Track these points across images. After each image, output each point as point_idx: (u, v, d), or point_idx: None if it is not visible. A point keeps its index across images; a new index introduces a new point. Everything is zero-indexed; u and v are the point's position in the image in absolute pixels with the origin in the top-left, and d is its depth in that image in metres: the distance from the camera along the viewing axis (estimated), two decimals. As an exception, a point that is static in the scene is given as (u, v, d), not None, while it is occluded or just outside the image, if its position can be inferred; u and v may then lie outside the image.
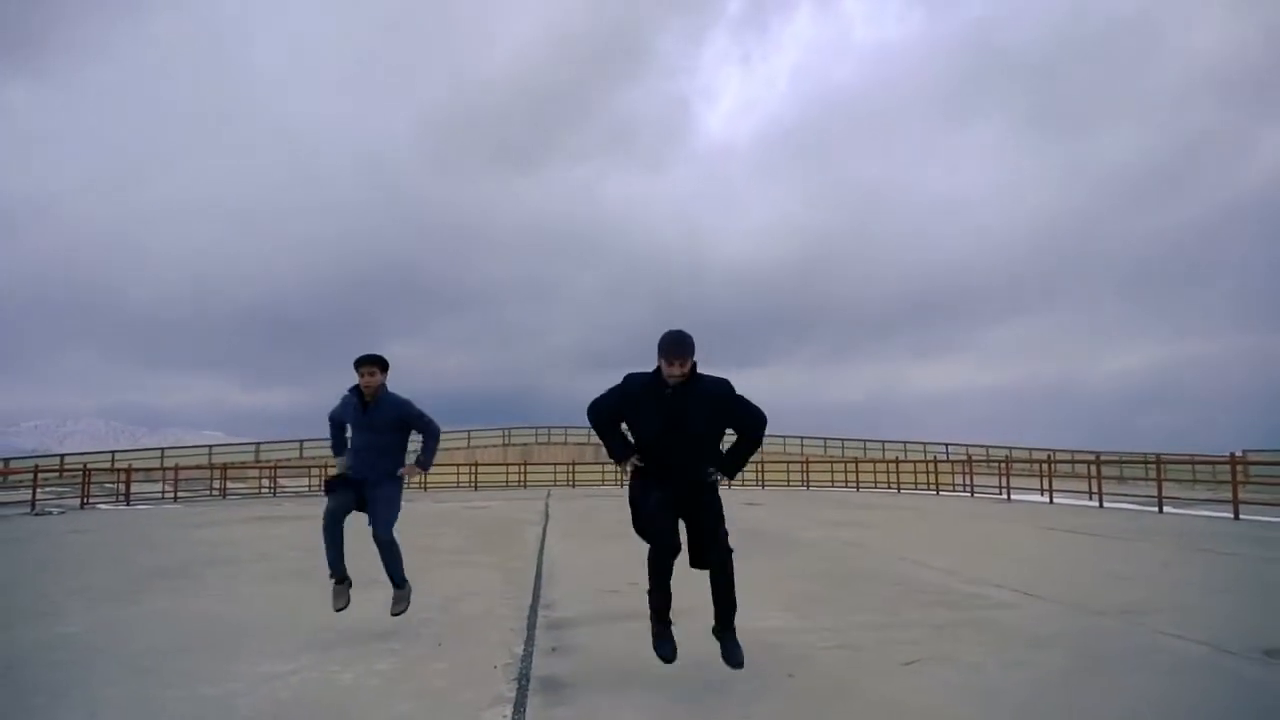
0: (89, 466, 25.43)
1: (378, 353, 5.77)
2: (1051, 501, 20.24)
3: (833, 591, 7.34)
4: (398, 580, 5.88)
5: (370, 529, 5.73)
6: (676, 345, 4.44)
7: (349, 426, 5.90)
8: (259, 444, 39.73)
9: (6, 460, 29.06)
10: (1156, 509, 17.17)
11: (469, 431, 44.80)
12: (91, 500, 23.65)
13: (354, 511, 5.76)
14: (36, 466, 24.12)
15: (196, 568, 9.54)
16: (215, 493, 29.22)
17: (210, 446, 39.99)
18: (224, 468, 31.15)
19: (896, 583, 7.83)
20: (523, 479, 35.85)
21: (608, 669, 4.70)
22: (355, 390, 5.76)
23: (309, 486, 31.38)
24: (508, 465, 37.55)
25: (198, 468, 33.23)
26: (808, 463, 34.85)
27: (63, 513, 20.57)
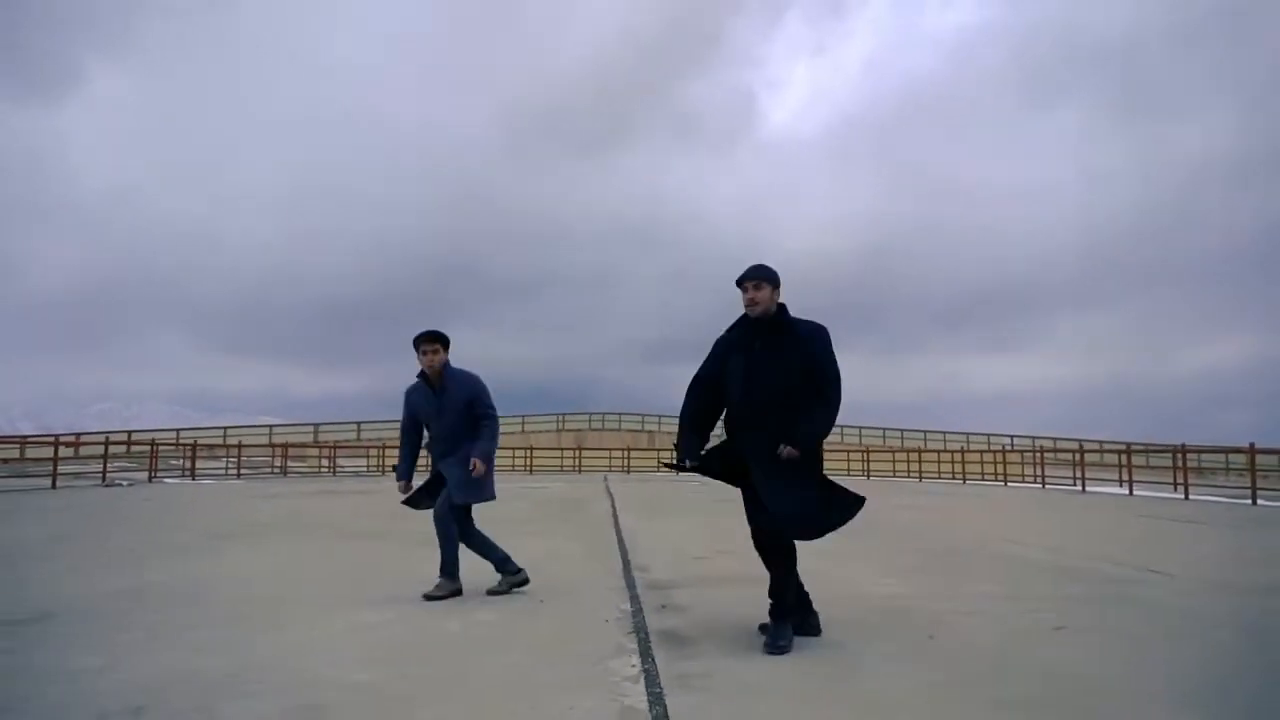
0: (156, 442, 25.84)
1: (437, 329, 5.25)
2: (1131, 493, 19.38)
3: (939, 565, 6.89)
4: (442, 565, 5.23)
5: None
6: (750, 269, 4.02)
7: (425, 426, 5.37)
8: (317, 425, 40.16)
9: (78, 435, 29.69)
10: (1250, 500, 16.29)
11: (523, 417, 44.80)
12: (158, 475, 24.00)
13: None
14: (106, 439, 24.58)
15: (270, 530, 9.45)
16: (276, 471, 29.56)
17: (270, 427, 40.54)
18: (284, 447, 31.49)
19: (1004, 559, 7.36)
20: (577, 464, 35.69)
21: (723, 626, 4.34)
22: (421, 376, 5.27)
23: (366, 467, 31.64)
24: (562, 450, 37.43)
25: (259, 446, 33.65)
26: (868, 452, 34.09)
27: (131, 485, 20.85)
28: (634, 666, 3.53)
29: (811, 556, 7.23)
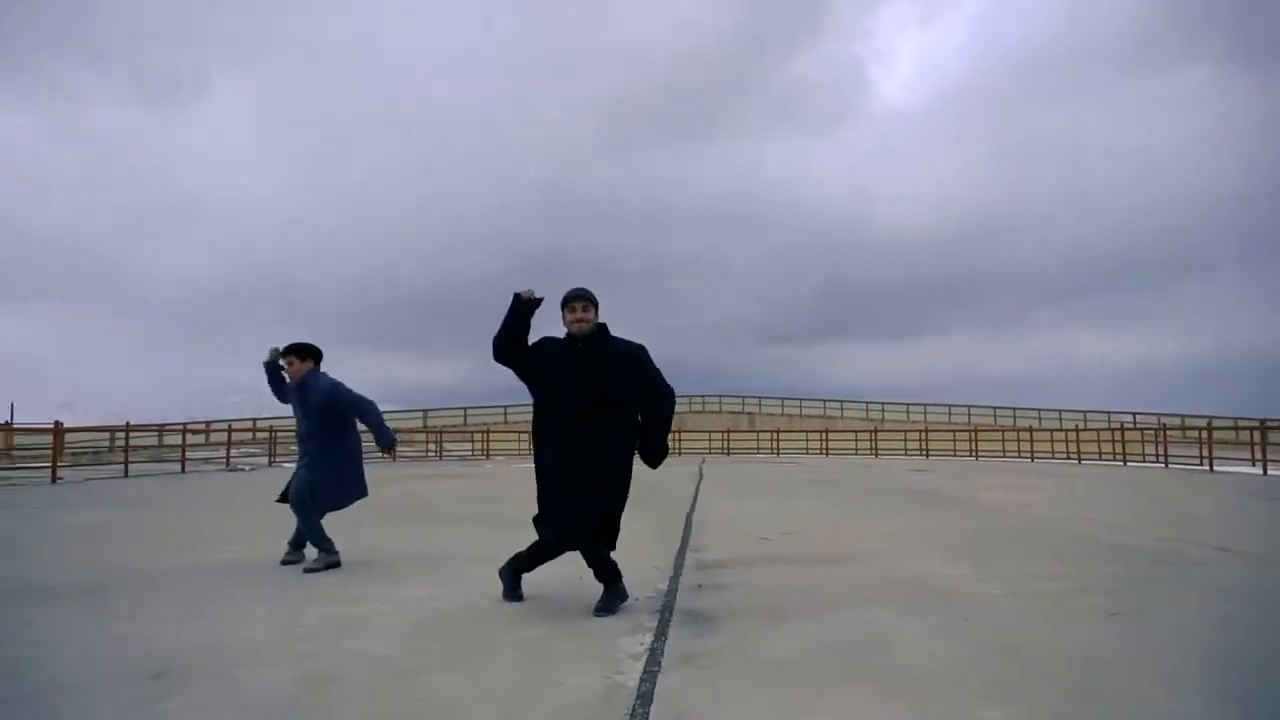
0: (275, 429, 27.34)
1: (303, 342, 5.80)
2: (1265, 473, 18.05)
3: (1002, 546, 6.61)
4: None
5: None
6: (576, 291, 4.19)
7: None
8: (426, 411, 41.59)
9: (208, 423, 31.73)
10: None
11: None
12: (277, 460, 25.41)
13: None
14: (230, 427, 26.17)
15: (361, 512, 9.86)
16: (384, 456, 30.77)
17: (382, 413, 42.21)
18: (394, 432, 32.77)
19: (1073, 539, 7.00)
20: (677, 447, 35.80)
21: (755, 605, 4.32)
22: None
23: (471, 451, 32.62)
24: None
25: (368, 432, 35.12)
26: (976, 432, 32.90)
27: (253, 470, 22.16)
28: (642, 645, 3.55)
29: (876, 539, 7.09)
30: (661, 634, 3.73)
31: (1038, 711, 2.70)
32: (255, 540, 7.00)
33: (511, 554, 4.64)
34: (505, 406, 40.45)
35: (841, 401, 45.36)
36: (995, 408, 42.83)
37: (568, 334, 4.26)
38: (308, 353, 5.80)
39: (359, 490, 5.88)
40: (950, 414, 43.23)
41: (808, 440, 35.70)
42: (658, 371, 4.31)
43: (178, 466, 20.55)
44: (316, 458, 5.70)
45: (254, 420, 33.45)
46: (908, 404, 45.13)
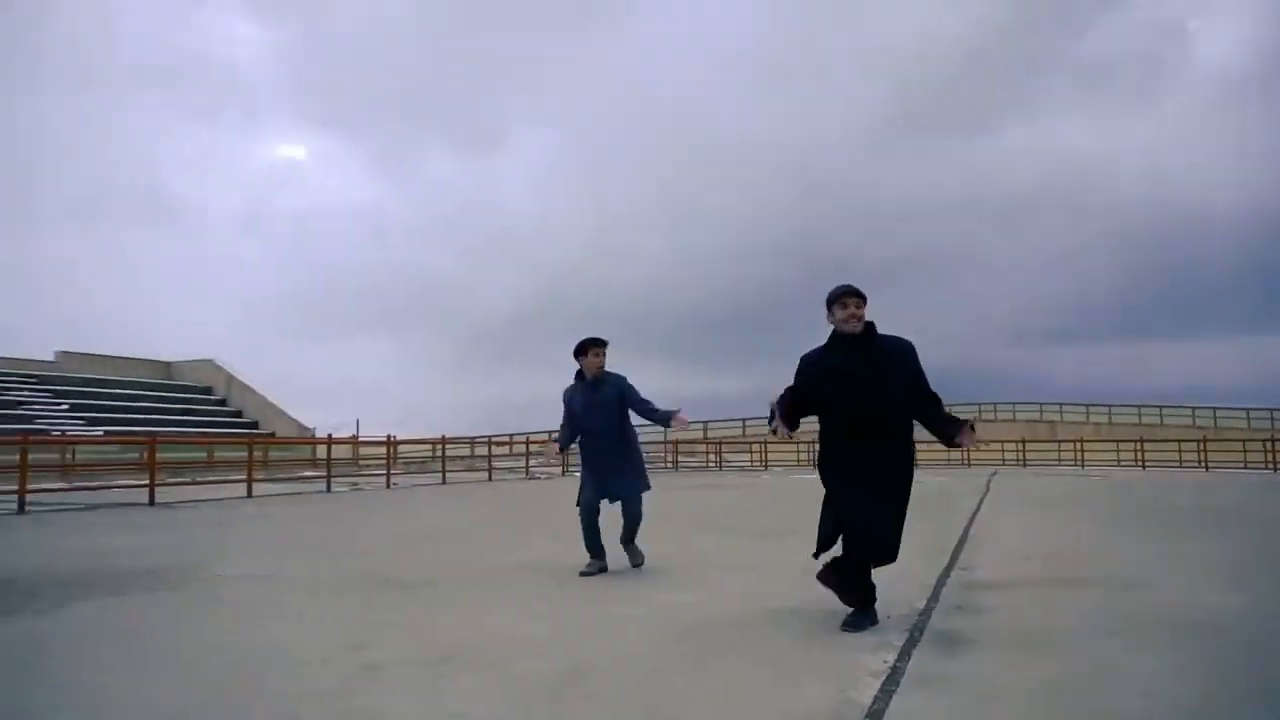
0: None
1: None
2: None
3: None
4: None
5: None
6: (845, 287, 4.04)
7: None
8: (706, 423, 42.73)
9: (511, 435, 34.98)
10: None
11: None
12: (571, 469, 27.41)
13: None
14: (527, 440, 28.65)
15: (650, 524, 10.47)
16: (669, 466, 32.10)
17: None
18: (675, 444, 34.05)
19: None
20: (965, 458, 33.77)
21: (1012, 631, 4.08)
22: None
23: (749, 461, 33.05)
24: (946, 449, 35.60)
25: (654, 443, 36.80)
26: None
27: (549, 478, 24.12)
28: (885, 662, 3.51)
29: (1156, 560, 6.35)
30: (906, 654, 3.66)
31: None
32: (546, 545, 7.70)
33: (773, 563, 4.81)
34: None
35: (1160, 406, 40.34)
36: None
37: (834, 334, 4.15)
38: (605, 345, 5.98)
39: (647, 482, 6.20)
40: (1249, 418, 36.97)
41: (1119, 450, 32.13)
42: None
43: (485, 475, 22.86)
44: (619, 450, 5.95)
45: (549, 433, 36.37)
46: (1248, 409, 39.14)
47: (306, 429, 31.72)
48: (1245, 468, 28.48)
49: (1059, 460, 32.77)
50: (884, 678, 3.30)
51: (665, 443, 35.63)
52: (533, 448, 27.72)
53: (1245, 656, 3.60)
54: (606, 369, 5.98)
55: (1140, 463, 30.52)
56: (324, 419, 33.88)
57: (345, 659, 3.61)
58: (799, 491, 16.48)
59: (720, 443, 35.18)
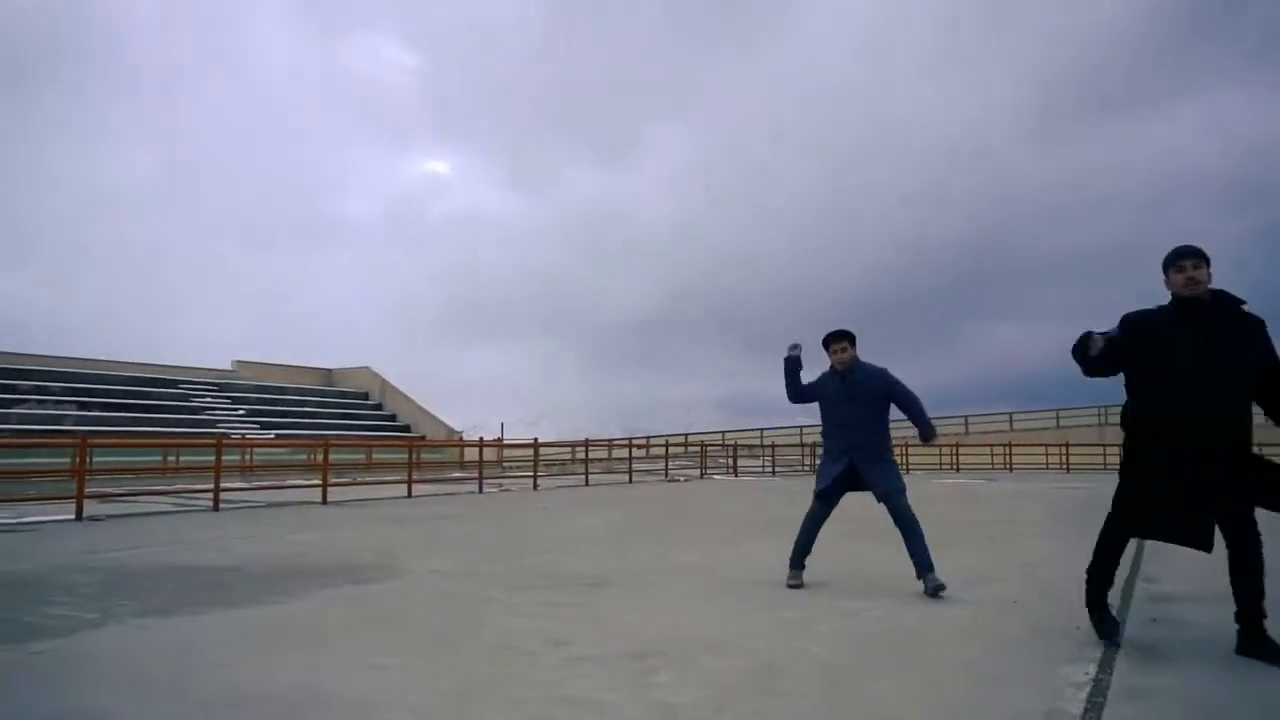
0: (705, 444, 29.71)
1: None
2: None
3: None
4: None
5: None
6: (1182, 247, 3.71)
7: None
8: (802, 428, 41.97)
9: (647, 439, 35.44)
10: None
11: (1057, 411, 41.38)
12: (708, 472, 27.56)
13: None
14: (666, 443, 29.00)
15: (784, 524, 10.50)
16: (806, 468, 31.75)
17: (800, 428, 43.47)
18: (812, 447, 33.64)
19: None
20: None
21: (1216, 648, 3.91)
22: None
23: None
24: (1105, 447, 33.72)
25: (790, 446, 36.46)
26: None
27: (686, 480, 24.34)
28: (1086, 674, 3.47)
29: None
30: (1107, 666, 3.59)
31: None
32: (704, 547, 7.86)
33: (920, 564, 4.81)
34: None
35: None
36: None
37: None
38: (854, 339, 5.67)
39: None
40: None
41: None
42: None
43: (625, 477, 23.30)
44: (871, 446, 5.56)
45: (685, 435, 36.69)
46: None
47: (454, 431, 33.16)
48: None
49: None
50: (1088, 689, 3.27)
51: (801, 446, 35.29)
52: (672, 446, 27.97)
53: None
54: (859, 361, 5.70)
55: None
56: (465, 421, 35.27)
57: (552, 652, 3.85)
58: (943, 496, 16.05)
59: (814, 446, 34.43)
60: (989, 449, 34.12)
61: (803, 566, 5.75)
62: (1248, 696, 3.18)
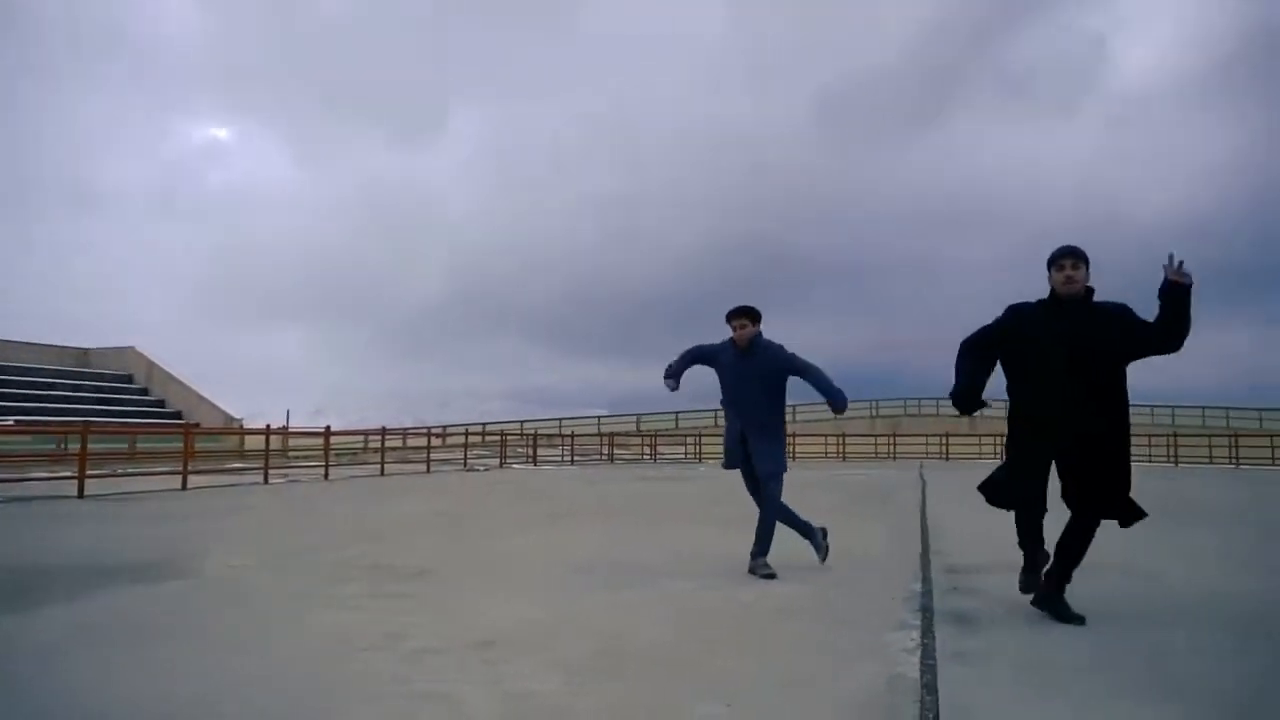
0: (504, 433, 29.38)
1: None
2: None
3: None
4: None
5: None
6: (1067, 248, 3.98)
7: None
8: (640, 415, 42.99)
9: (444, 428, 34.56)
10: None
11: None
12: (507, 461, 27.28)
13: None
14: (466, 431, 28.39)
15: (601, 510, 10.57)
16: (604, 458, 32.22)
17: (598, 418, 44.05)
18: (611, 436, 34.19)
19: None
20: (891, 451, 34.83)
21: (1013, 610, 4.31)
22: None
23: (684, 454, 33.40)
24: (875, 438, 36.71)
25: (589, 435, 36.86)
26: (1236, 437, 29.69)
27: (487, 470, 23.96)
28: (913, 640, 3.70)
29: (1136, 551, 6.76)
30: (929, 632, 3.86)
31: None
32: (526, 534, 7.72)
33: (751, 549, 5.03)
34: (715, 411, 40.94)
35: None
36: (1261, 411, 38.43)
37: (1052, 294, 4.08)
38: (758, 315, 5.48)
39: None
40: (1204, 417, 39.27)
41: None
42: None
43: (423, 467, 22.59)
44: (764, 424, 5.44)
45: (483, 425, 36.11)
46: (1152, 406, 41.33)
47: (233, 419, 30.73)
48: (1150, 461, 30.12)
49: (979, 454, 34.02)
50: (919, 654, 3.48)
51: (600, 436, 35.77)
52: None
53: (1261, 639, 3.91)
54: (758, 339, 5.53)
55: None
56: (244, 408, 32.70)
57: (390, 646, 3.61)
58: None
59: (655, 435, 35.43)
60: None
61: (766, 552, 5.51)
62: (1054, 649, 3.52)
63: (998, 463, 4.50)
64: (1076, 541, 4.04)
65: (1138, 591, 4.86)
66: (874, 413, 43.60)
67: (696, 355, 5.72)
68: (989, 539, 7.19)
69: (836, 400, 5.44)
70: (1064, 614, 3.99)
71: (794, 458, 31.69)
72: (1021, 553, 4.20)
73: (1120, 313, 3.99)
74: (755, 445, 5.44)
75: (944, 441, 34.19)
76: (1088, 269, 4.00)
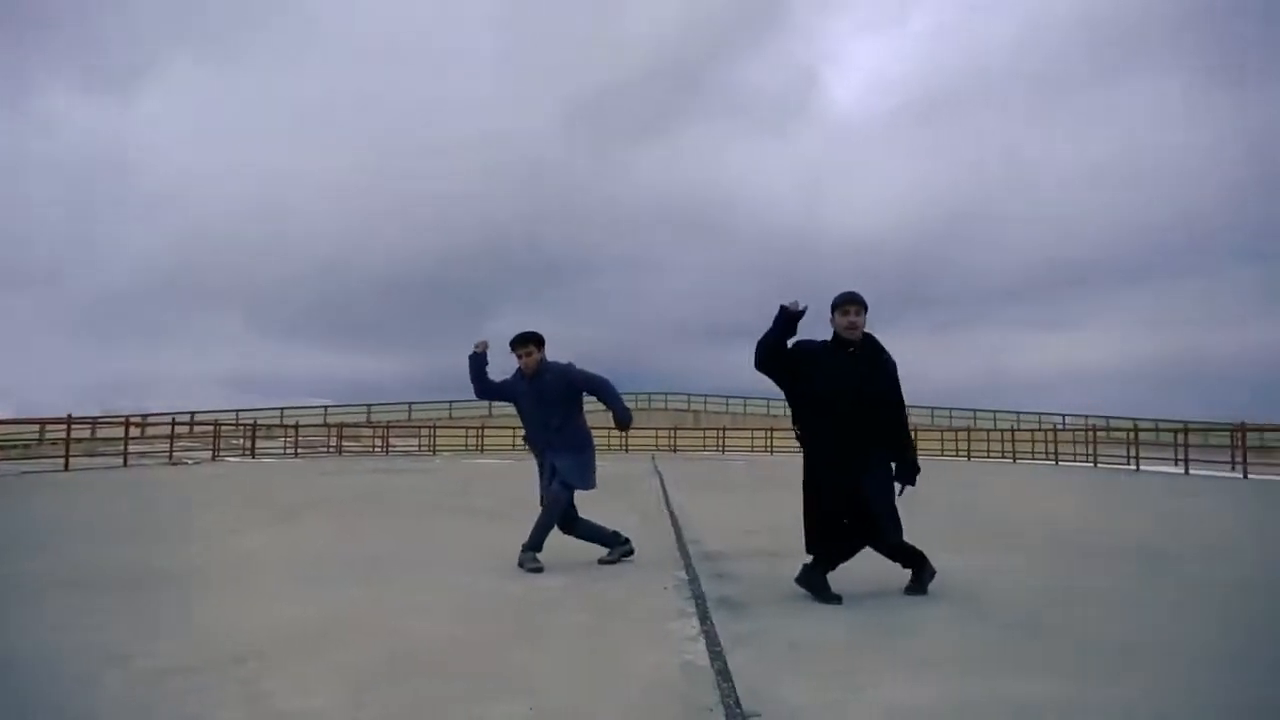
0: (219, 422, 26.77)
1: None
2: (1187, 472, 19.12)
3: (983, 539, 7.03)
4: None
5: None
6: (850, 295, 4.34)
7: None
8: (370, 405, 41.06)
9: (144, 416, 30.78)
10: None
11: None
12: (221, 454, 24.88)
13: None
14: (173, 421, 25.49)
15: (337, 504, 9.88)
16: (332, 450, 30.41)
17: (325, 407, 41.56)
18: (339, 427, 32.34)
19: (1038, 533, 7.46)
20: (624, 444, 36.02)
21: (774, 593, 4.54)
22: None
23: (418, 446, 32.39)
24: (609, 430, 37.72)
25: (315, 426, 34.60)
26: (915, 432, 33.95)
27: (197, 464, 21.69)
28: (694, 628, 3.77)
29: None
30: (706, 619, 3.95)
31: (1063, 686, 3.00)
32: (262, 532, 7.01)
33: (524, 542, 4.93)
34: (450, 402, 40.14)
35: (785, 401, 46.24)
36: (933, 408, 44.14)
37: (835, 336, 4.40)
38: (541, 340, 5.52)
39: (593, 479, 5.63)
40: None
41: (753, 438, 36.31)
42: None
43: (118, 460, 20.02)
44: (564, 442, 5.46)
45: (191, 414, 32.67)
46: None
47: None
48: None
49: (703, 446, 36.17)
50: (702, 641, 3.55)
51: (327, 426, 33.75)
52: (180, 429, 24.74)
53: (992, 600, 4.38)
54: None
55: (770, 449, 34.76)
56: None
57: (117, 668, 3.07)
58: (482, 474, 16.59)
59: (388, 427, 34.00)
60: (511, 431, 36.09)
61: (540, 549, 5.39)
62: (820, 629, 3.73)
63: (719, 454, 4.76)
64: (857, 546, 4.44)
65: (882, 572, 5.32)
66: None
67: (497, 391, 5.72)
68: (735, 527, 7.64)
69: (621, 416, 5.56)
70: (825, 595, 4.26)
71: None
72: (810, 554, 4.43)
73: (892, 370, 4.42)
74: (559, 463, 5.42)
75: (672, 435, 35.96)
76: (867, 314, 4.37)
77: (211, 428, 26.03)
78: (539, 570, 5.18)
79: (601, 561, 5.52)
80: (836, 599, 4.24)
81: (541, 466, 5.60)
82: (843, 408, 4.25)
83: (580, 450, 5.53)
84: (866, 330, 4.43)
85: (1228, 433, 20.82)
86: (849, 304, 4.34)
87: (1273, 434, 26.24)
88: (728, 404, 45.87)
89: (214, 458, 23.84)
